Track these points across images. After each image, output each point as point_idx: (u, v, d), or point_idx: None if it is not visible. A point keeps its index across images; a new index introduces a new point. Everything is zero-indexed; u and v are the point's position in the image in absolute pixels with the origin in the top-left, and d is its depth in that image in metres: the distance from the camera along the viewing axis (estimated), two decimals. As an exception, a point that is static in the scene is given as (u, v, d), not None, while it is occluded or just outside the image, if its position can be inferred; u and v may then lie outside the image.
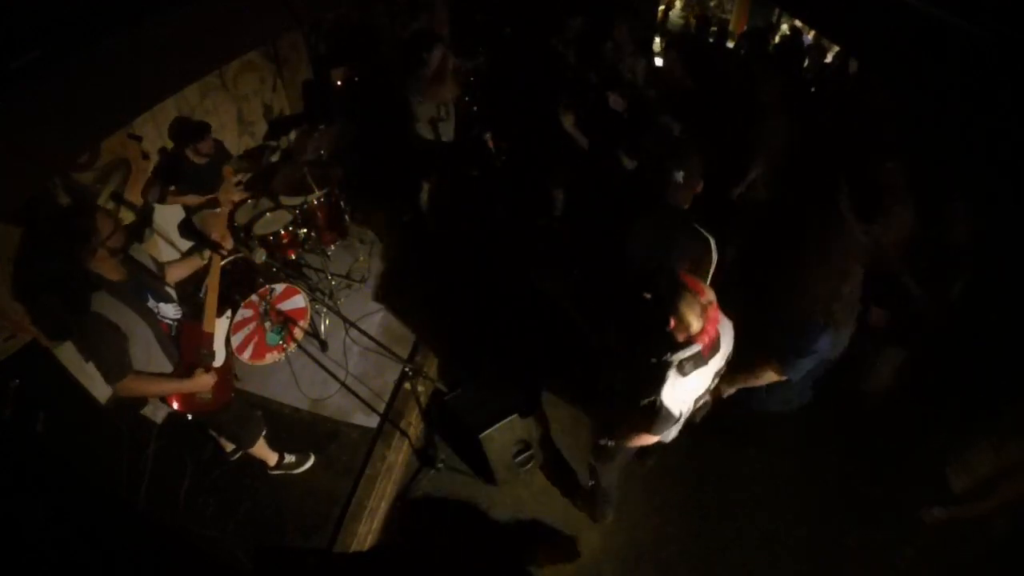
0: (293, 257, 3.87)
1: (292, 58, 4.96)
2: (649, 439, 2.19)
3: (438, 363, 3.83)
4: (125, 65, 2.33)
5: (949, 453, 2.79)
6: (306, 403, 3.44)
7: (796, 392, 2.71)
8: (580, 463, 3.34)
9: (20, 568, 1.94)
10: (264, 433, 2.94)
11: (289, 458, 3.07)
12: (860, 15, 3.17)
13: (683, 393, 1.98)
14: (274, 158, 4.53)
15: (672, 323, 1.88)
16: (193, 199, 3.62)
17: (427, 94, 3.94)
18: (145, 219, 3.66)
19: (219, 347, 2.53)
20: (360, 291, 4.17)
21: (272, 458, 3.02)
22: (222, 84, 4.27)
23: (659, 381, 1.93)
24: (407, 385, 3.37)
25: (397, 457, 3.26)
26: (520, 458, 3.20)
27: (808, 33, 6.95)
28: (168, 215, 3.78)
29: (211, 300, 2.49)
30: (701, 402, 2.16)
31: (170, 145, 3.75)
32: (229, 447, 3.07)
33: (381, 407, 3.44)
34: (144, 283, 2.32)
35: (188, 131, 3.47)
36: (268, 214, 3.75)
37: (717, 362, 2.02)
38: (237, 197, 3.50)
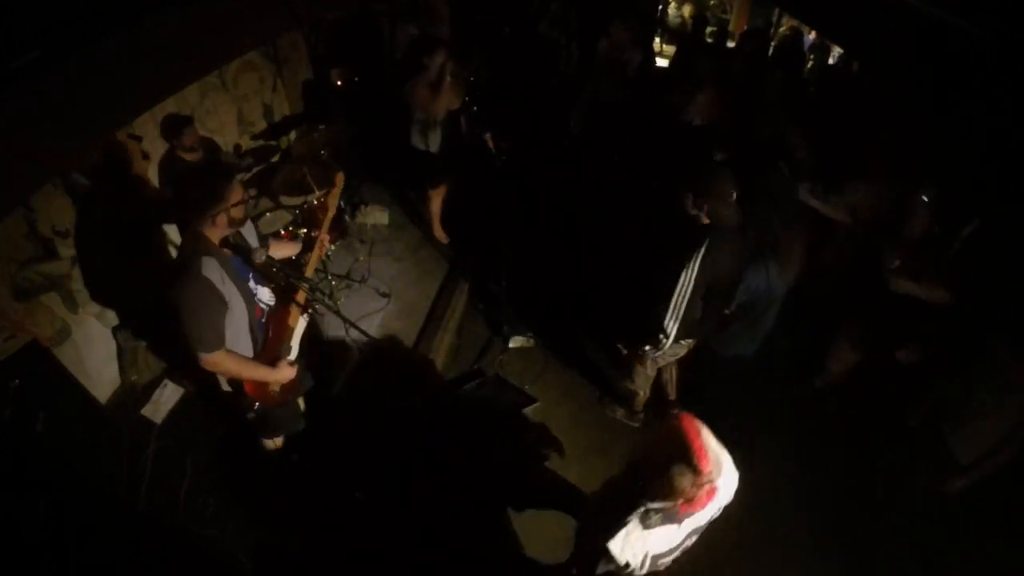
0: (293, 257, 3.87)
1: (292, 58, 4.96)
2: None
3: (438, 363, 3.82)
4: (125, 65, 2.33)
5: (945, 424, 2.76)
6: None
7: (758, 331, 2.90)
8: (579, 462, 3.35)
9: (20, 568, 1.94)
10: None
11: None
12: (860, 15, 3.17)
13: (638, 545, 1.66)
14: (274, 158, 4.53)
15: (656, 483, 1.59)
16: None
17: (420, 104, 3.91)
18: None
19: (295, 342, 2.49)
20: (360, 291, 4.17)
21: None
22: (222, 84, 4.27)
23: (612, 526, 1.66)
24: (407, 385, 3.36)
25: (397, 457, 3.25)
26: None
27: (809, 33, 6.96)
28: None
29: (301, 296, 2.45)
30: (663, 562, 1.81)
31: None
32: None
33: (381, 407, 3.44)
34: (247, 263, 2.26)
35: (168, 127, 3.46)
36: (268, 214, 3.76)
37: (696, 521, 1.70)
38: (296, 202, 3.46)
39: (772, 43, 5.73)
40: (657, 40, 8.20)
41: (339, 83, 5.00)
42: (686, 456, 1.51)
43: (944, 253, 2.92)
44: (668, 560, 1.82)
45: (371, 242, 4.60)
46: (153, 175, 3.66)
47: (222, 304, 2.07)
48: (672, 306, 2.39)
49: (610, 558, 1.68)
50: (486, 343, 4.07)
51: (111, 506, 2.56)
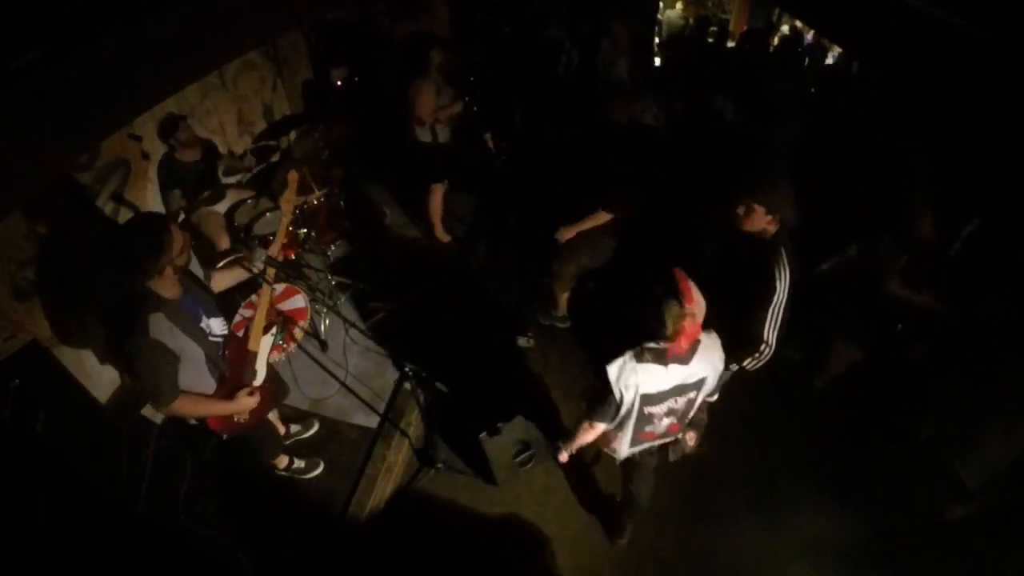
0: (293, 257, 3.87)
1: (292, 58, 4.96)
2: (594, 428, 2.23)
3: (438, 364, 3.82)
4: (125, 65, 2.33)
5: (953, 447, 2.77)
6: (306, 403, 3.43)
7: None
8: (579, 462, 3.35)
9: (20, 568, 1.94)
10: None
11: (299, 463, 3.07)
12: (860, 15, 3.17)
13: (631, 378, 2.01)
14: (274, 158, 4.53)
15: (648, 320, 1.95)
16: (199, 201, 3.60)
17: (423, 105, 3.88)
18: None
19: (261, 366, 2.47)
20: (360, 291, 4.17)
21: (282, 461, 3.01)
22: (222, 84, 4.27)
23: (618, 355, 2.03)
24: (407, 385, 3.37)
25: (397, 457, 3.26)
26: (520, 458, 3.20)
27: (808, 33, 6.95)
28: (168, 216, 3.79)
29: (260, 317, 2.43)
30: (671, 415, 2.17)
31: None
32: (281, 463, 3.02)
33: (381, 407, 3.44)
34: (197, 299, 2.24)
35: (163, 127, 3.45)
36: (268, 214, 3.75)
37: (679, 374, 2.03)
38: (295, 203, 3.42)
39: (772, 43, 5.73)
40: (657, 40, 8.20)
41: (339, 83, 5.01)
42: (675, 292, 1.89)
43: (946, 259, 2.91)
44: (656, 410, 2.13)
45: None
46: (153, 175, 3.66)
47: (173, 358, 2.07)
48: (770, 316, 2.36)
49: (605, 384, 2.04)
50: (486, 343, 4.07)
51: (111, 506, 2.57)
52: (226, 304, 2.82)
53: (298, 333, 3.51)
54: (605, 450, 2.45)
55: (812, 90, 5.21)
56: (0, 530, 2.00)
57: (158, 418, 3.31)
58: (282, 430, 3.03)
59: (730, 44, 7.49)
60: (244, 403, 2.33)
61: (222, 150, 4.07)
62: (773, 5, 7.41)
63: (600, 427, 2.24)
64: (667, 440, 2.35)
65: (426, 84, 3.83)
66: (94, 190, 3.31)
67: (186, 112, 3.85)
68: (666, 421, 2.20)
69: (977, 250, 2.83)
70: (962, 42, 2.40)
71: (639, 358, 1.99)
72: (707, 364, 2.07)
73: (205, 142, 3.72)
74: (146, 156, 3.67)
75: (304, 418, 3.16)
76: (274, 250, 2.54)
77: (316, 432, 3.29)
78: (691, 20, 8.16)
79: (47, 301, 3.06)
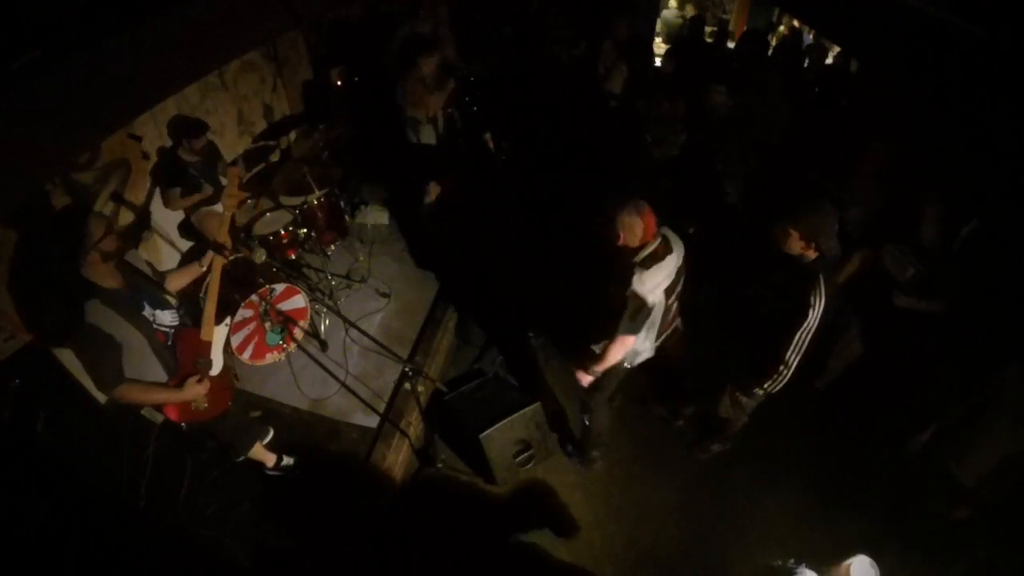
0: (293, 257, 3.87)
1: (292, 58, 4.96)
2: (623, 340, 2.52)
3: (438, 363, 3.83)
4: (125, 65, 2.32)
5: (948, 449, 2.77)
6: (306, 403, 3.44)
7: None
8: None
9: (20, 568, 1.94)
10: (269, 438, 2.95)
11: (288, 459, 3.07)
12: (860, 15, 3.17)
13: (652, 282, 2.38)
14: (274, 158, 4.53)
15: (621, 236, 2.38)
16: (197, 199, 3.60)
17: (413, 104, 3.92)
18: (143, 220, 3.65)
19: (217, 356, 2.50)
20: (360, 291, 4.17)
21: (270, 459, 3.01)
22: (222, 84, 4.27)
23: (629, 277, 2.38)
24: (407, 385, 3.37)
25: (397, 457, 3.26)
26: (520, 458, 3.20)
27: (808, 33, 6.95)
28: (168, 216, 3.78)
29: (210, 308, 2.45)
30: (672, 296, 2.55)
31: (169, 144, 3.75)
32: (269, 462, 3.04)
33: (381, 407, 3.45)
34: (141, 289, 2.29)
35: (185, 127, 3.46)
36: (268, 214, 3.75)
37: (673, 259, 2.44)
38: (239, 199, 3.48)
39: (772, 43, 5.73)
40: (657, 40, 8.21)
41: (339, 83, 5.00)
42: (623, 203, 2.37)
43: (951, 265, 2.91)
44: (672, 299, 2.56)
45: (371, 242, 4.60)
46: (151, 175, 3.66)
47: (112, 343, 2.10)
48: (796, 341, 2.37)
49: (636, 296, 2.39)
50: (486, 343, 4.07)
51: (111, 506, 2.57)
52: (226, 304, 2.82)
53: (298, 333, 3.51)
54: (626, 364, 2.71)
55: (815, 89, 5.21)
56: (0, 530, 2.00)
57: (158, 418, 3.29)
58: (271, 461, 3.01)
59: (730, 44, 7.48)
60: (193, 391, 2.36)
61: (222, 150, 4.07)
62: (773, 5, 7.41)
63: (631, 340, 2.54)
64: (674, 325, 2.75)
65: (413, 84, 3.84)
66: (94, 190, 3.31)
67: (186, 112, 3.86)
68: (675, 306, 2.65)
69: (976, 250, 2.83)
70: (962, 42, 2.40)
71: (645, 266, 2.38)
72: (679, 245, 2.51)
73: (209, 146, 3.73)
74: (146, 156, 3.67)
75: (300, 454, 3.12)
76: (228, 248, 2.55)
77: (347, 409, 3.37)
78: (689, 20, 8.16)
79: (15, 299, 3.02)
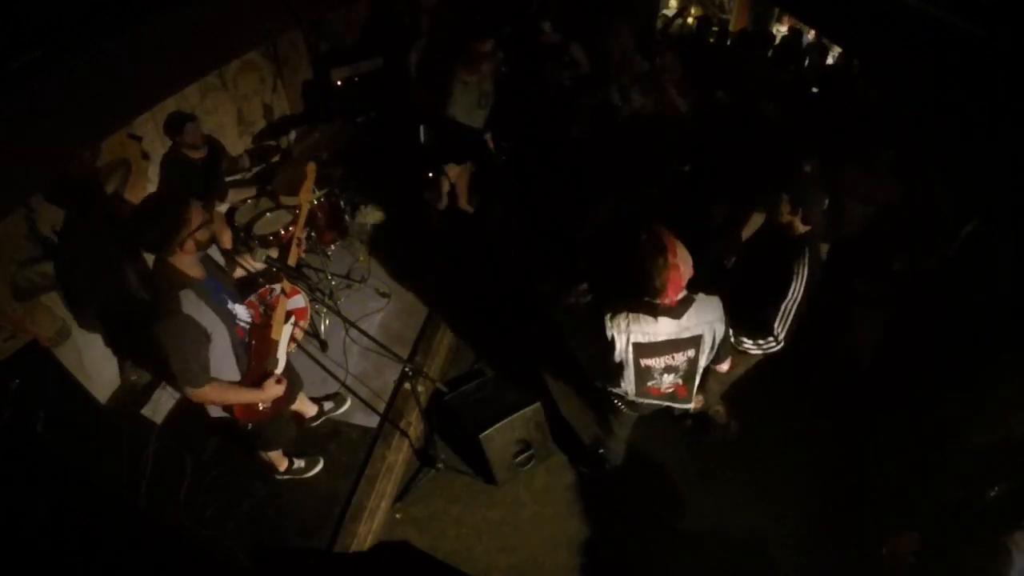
0: (302, 256, 3.87)
1: (292, 58, 4.96)
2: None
3: (438, 363, 3.83)
4: (125, 65, 2.33)
5: (949, 438, 2.79)
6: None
7: None
8: (579, 462, 3.35)
9: (20, 568, 1.94)
10: (318, 469, 3.04)
11: (298, 462, 3.07)
12: (860, 15, 3.17)
13: (622, 323, 2.11)
14: (274, 158, 4.53)
15: (635, 270, 2.02)
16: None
17: (468, 73, 4.07)
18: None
19: (282, 354, 2.46)
20: (360, 291, 4.17)
21: (283, 463, 3.01)
22: (222, 84, 4.27)
23: (604, 322, 2.12)
24: (407, 385, 3.37)
25: (397, 457, 3.26)
26: (520, 458, 3.20)
27: (808, 33, 6.95)
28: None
29: (281, 306, 2.43)
30: (670, 372, 2.24)
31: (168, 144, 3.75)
32: (282, 466, 3.02)
33: (381, 407, 3.45)
34: (220, 284, 2.22)
35: (171, 123, 3.46)
36: (268, 214, 3.75)
37: (669, 327, 2.11)
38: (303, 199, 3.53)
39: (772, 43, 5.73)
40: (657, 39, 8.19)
41: (339, 83, 5.01)
42: (659, 247, 1.97)
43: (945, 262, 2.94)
44: (652, 363, 2.20)
45: (371, 242, 4.60)
46: (153, 175, 3.67)
47: (204, 337, 2.04)
48: (782, 311, 2.42)
49: (600, 332, 2.12)
50: (486, 343, 4.07)
51: (111, 506, 2.57)
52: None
53: (298, 333, 3.51)
54: (614, 396, 2.49)
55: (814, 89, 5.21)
56: (0, 530, 2.00)
57: (158, 418, 3.31)
58: (284, 465, 3.00)
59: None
60: (272, 391, 2.30)
61: (226, 148, 4.07)
62: (773, 5, 7.42)
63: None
64: (677, 405, 2.40)
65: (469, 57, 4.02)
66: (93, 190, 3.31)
67: (186, 111, 3.86)
68: (668, 379, 2.26)
69: (976, 250, 2.84)
70: (962, 42, 2.40)
71: (632, 308, 2.10)
72: (702, 323, 2.13)
73: (210, 140, 3.73)
74: (146, 156, 3.68)
75: (310, 456, 3.12)
76: (298, 235, 2.54)
77: (348, 409, 3.38)
78: (689, 20, 8.17)
79: (60, 294, 3.11)
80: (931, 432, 2.89)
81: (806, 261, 2.36)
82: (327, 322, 3.81)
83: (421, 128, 4.24)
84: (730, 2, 8.90)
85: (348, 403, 3.41)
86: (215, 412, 2.38)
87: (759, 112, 3.93)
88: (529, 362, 3.84)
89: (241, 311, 2.31)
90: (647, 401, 2.38)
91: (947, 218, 2.90)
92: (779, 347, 2.54)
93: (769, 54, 5.35)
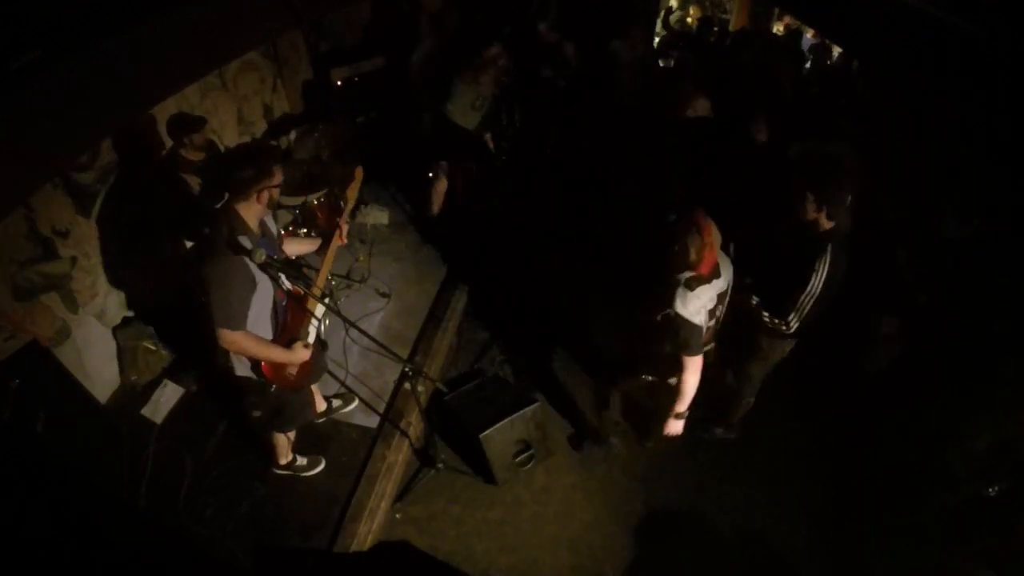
0: (293, 257, 3.86)
1: (292, 58, 4.96)
2: (693, 362, 2.44)
3: (438, 363, 3.83)
4: (125, 65, 2.33)
5: (948, 440, 2.80)
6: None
7: None
8: (579, 462, 3.35)
9: (20, 568, 1.94)
10: (319, 468, 3.08)
11: (300, 459, 3.07)
12: (860, 15, 3.17)
13: (696, 304, 2.37)
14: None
15: (677, 249, 2.34)
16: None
17: (469, 77, 4.16)
18: None
19: (313, 329, 2.53)
20: (360, 291, 4.17)
21: (286, 455, 3.00)
22: (222, 84, 4.27)
23: (671, 296, 2.36)
24: (407, 385, 3.36)
25: (397, 457, 3.26)
26: (520, 458, 3.20)
27: (808, 33, 6.96)
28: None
29: (320, 282, 2.53)
30: (713, 318, 2.52)
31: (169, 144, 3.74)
32: (284, 459, 3.02)
33: (381, 407, 3.45)
34: (271, 246, 2.32)
35: (184, 123, 3.45)
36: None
37: (719, 284, 2.43)
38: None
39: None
40: (657, 40, 8.21)
41: (339, 83, 5.01)
42: (697, 227, 2.29)
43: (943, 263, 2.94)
44: (711, 322, 2.50)
45: (371, 242, 4.60)
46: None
47: (252, 283, 2.14)
48: (799, 303, 2.50)
49: (681, 320, 2.36)
50: (486, 343, 4.08)
51: (111, 506, 2.57)
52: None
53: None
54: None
55: (815, 89, 5.22)
56: (0, 530, 2.00)
57: (158, 418, 3.31)
58: (286, 459, 3.01)
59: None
60: (300, 354, 2.36)
61: (222, 150, 4.07)
62: (773, 5, 7.42)
63: (699, 361, 2.46)
64: (709, 346, 2.65)
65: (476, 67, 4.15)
66: (94, 190, 3.31)
67: (185, 111, 3.86)
68: (711, 327, 2.57)
69: (976, 250, 2.84)
70: (962, 42, 2.40)
71: (690, 287, 2.35)
72: (728, 270, 2.51)
73: (209, 143, 3.72)
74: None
75: (312, 454, 3.13)
76: (343, 233, 2.69)
77: (355, 407, 3.41)
78: (689, 20, 8.18)
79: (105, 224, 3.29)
80: (931, 434, 2.89)
81: (827, 259, 2.40)
82: (327, 322, 3.80)
83: (421, 122, 4.26)
84: (730, 2, 8.91)
85: (355, 403, 3.42)
86: (241, 370, 2.40)
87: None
88: (531, 356, 3.84)
89: (283, 277, 2.37)
90: None
91: (948, 222, 2.88)
92: (790, 334, 2.62)
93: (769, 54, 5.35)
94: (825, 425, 3.48)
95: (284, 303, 2.38)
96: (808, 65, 6.07)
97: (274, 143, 4.63)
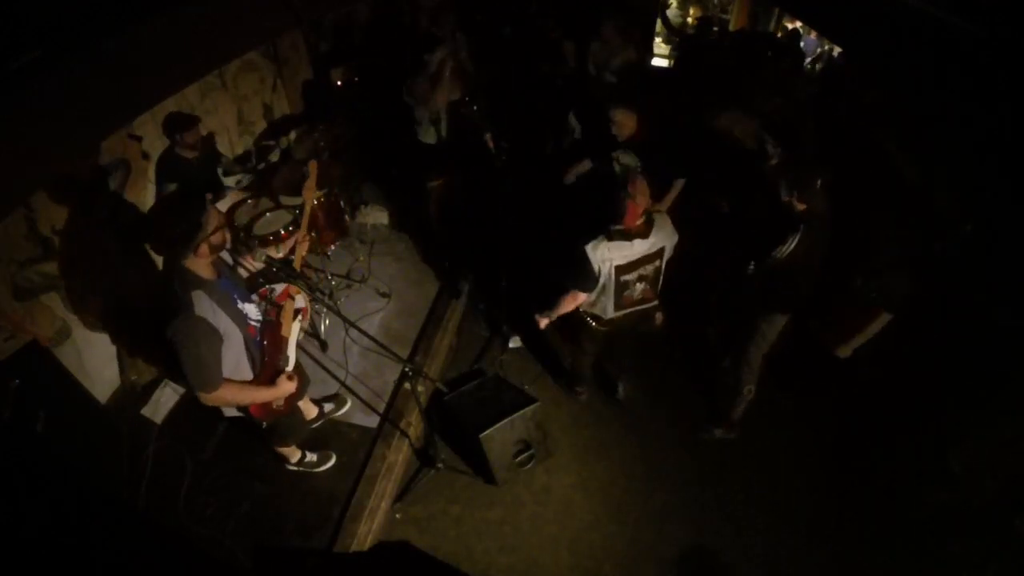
0: (293, 257, 3.86)
1: (292, 58, 4.96)
2: (573, 295, 2.81)
3: (438, 363, 3.83)
4: (125, 65, 2.33)
5: (949, 438, 2.81)
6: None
7: None
8: (579, 462, 3.35)
9: (20, 568, 1.94)
10: (330, 463, 3.09)
11: (310, 456, 3.07)
12: (860, 15, 3.17)
13: (604, 253, 2.66)
14: (274, 158, 4.53)
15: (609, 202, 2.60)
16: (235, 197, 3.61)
17: (420, 99, 4.02)
18: None
19: (292, 351, 2.46)
20: (360, 291, 4.17)
21: (295, 455, 3.01)
22: (222, 84, 4.27)
23: (589, 238, 2.67)
24: (407, 385, 3.37)
25: (397, 457, 3.26)
26: (520, 458, 3.20)
27: (809, 33, 6.95)
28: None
29: (288, 305, 2.43)
30: (642, 280, 2.80)
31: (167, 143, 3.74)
32: (294, 457, 3.02)
33: (381, 407, 3.45)
34: (231, 283, 2.22)
35: (177, 122, 3.45)
36: (268, 214, 3.75)
37: (642, 245, 2.68)
38: (306, 197, 3.57)
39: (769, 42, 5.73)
40: (658, 40, 8.21)
41: (339, 83, 5.00)
42: (631, 183, 2.59)
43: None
44: (629, 277, 2.77)
45: (371, 242, 4.60)
46: (152, 176, 3.66)
47: (218, 338, 2.04)
48: (762, 260, 2.78)
49: (582, 256, 2.68)
50: (486, 343, 4.08)
51: (111, 506, 2.57)
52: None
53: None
54: (589, 316, 2.99)
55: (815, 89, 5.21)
56: (0, 530, 2.00)
57: (158, 418, 3.31)
58: (295, 457, 3.01)
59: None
60: (285, 388, 2.31)
61: (222, 150, 4.07)
62: (773, 5, 7.42)
63: (581, 297, 2.82)
64: (645, 306, 2.93)
65: (420, 81, 3.97)
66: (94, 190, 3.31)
67: (185, 111, 3.86)
68: (639, 286, 2.82)
69: (976, 251, 2.84)
70: (962, 42, 2.40)
71: (609, 238, 2.64)
72: (664, 236, 2.74)
73: (205, 140, 3.72)
74: (146, 156, 3.67)
75: (321, 450, 3.14)
76: (300, 236, 2.66)
77: (348, 409, 3.42)
78: (688, 20, 8.17)
79: (65, 295, 3.14)
80: (931, 434, 2.90)
81: (798, 237, 2.67)
82: (327, 322, 3.81)
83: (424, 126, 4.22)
84: (730, 2, 8.90)
85: (348, 404, 3.41)
86: (230, 412, 2.38)
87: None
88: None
89: (252, 310, 2.30)
90: (621, 313, 2.88)
91: (945, 215, 2.91)
92: (748, 272, 2.90)
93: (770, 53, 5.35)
94: (825, 425, 3.48)
95: (257, 337, 2.31)
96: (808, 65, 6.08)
97: (274, 143, 4.63)
